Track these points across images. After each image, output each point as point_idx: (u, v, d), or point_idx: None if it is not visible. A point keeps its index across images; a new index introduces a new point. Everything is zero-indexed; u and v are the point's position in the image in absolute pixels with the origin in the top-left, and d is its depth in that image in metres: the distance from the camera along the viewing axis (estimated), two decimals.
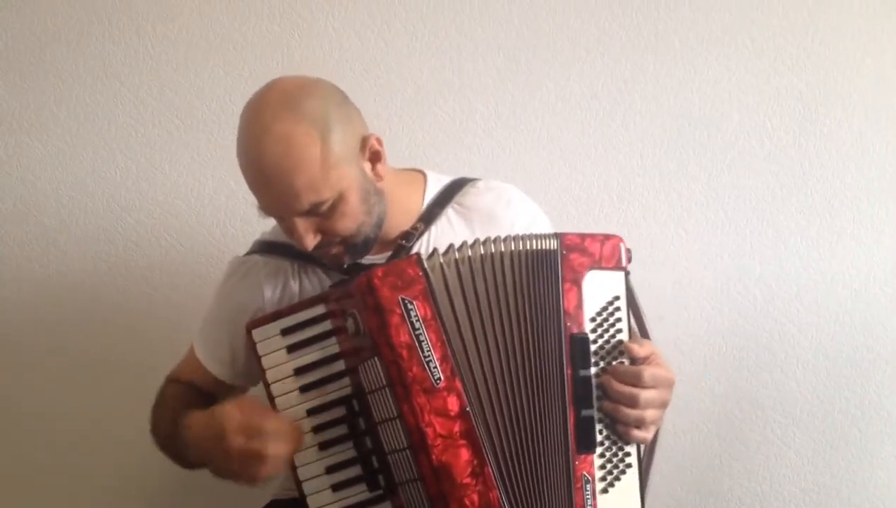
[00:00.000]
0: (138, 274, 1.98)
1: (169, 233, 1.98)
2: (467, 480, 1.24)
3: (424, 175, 1.56)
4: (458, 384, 1.26)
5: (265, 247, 1.52)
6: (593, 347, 1.32)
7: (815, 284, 2.00)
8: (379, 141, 1.39)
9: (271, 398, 1.37)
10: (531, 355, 1.30)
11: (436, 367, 1.26)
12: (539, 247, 1.32)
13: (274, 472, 1.28)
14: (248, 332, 1.39)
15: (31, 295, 1.99)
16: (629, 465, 1.33)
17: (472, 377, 1.28)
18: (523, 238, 1.33)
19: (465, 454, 1.25)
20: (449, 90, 1.96)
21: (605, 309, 1.34)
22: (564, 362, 1.30)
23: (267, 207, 1.35)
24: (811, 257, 2.00)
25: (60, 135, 1.97)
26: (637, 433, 1.32)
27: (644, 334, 1.39)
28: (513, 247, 1.32)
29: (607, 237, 1.36)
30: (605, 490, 1.31)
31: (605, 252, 1.35)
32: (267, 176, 1.30)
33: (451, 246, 1.32)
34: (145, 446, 1.97)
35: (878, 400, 2.02)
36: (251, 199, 1.94)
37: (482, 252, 1.31)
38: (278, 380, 1.36)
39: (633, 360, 1.33)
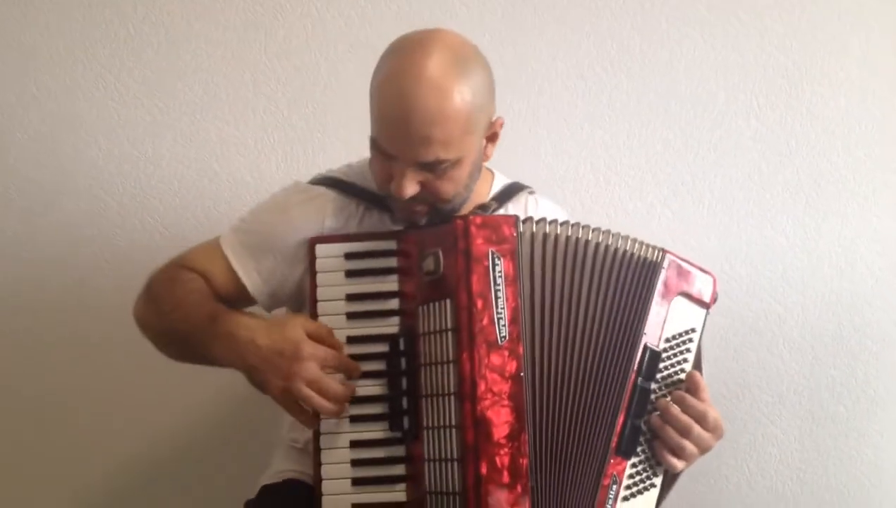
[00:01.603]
0: (122, 258, 1.97)
1: (152, 216, 1.96)
2: (503, 440, 1.25)
3: (493, 173, 1.60)
4: (521, 348, 1.28)
5: (334, 182, 1.51)
6: (660, 365, 1.35)
7: (802, 263, 2.01)
8: (502, 125, 1.43)
9: (315, 316, 1.36)
10: (598, 347, 1.32)
11: (504, 325, 1.27)
12: (643, 255, 1.36)
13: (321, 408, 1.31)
14: (312, 246, 1.38)
15: (15, 280, 1.97)
16: (653, 485, 1.35)
17: (532, 345, 1.30)
18: (627, 239, 1.36)
19: (507, 415, 1.26)
20: None
21: (680, 336, 1.37)
22: (633, 368, 1.33)
23: (391, 144, 1.33)
24: (797, 236, 2.01)
25: (42, 119, 1.95)
26: (672, 458, 1.33)
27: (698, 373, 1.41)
28: (609, 242, 1.35)
29: (704, 271, 1.40)
30: (626, 498, 1.33)
31: (699, 284, 1.39)
32: (410, 116, 1.29)
33: (543, 218, 1.34)
34: (134, 427, 1.99)
35: (864, 378, 2.03)
36: (235, 181, 1.97)
37: (569, 233, 1.34)
38: (327, 300, 1.37)
39: (693, 391, 1.34)
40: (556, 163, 1.99)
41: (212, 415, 1.99)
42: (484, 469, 1.24)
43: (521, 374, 1.27)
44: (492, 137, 1.43)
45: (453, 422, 1.27)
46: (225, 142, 1.96)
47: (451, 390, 1.27)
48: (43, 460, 2.00)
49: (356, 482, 1.33)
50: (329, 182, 1.51)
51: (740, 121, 1.98)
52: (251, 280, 1.47)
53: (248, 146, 1.96)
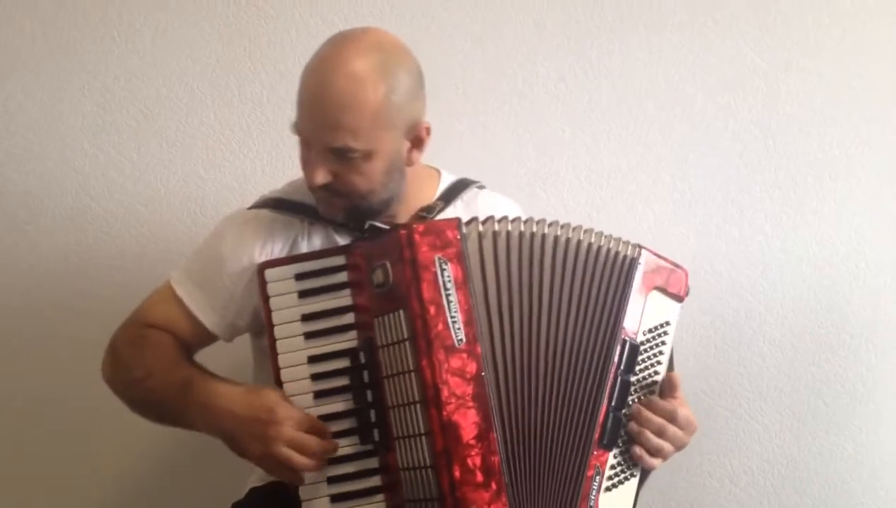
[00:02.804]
0: (109, 264, 1.98)
1: (139, 222, 1.97)
2: (472, 441, 1.26)
3: (439, 172, 1.60)
4: (479, 349, 1.29)
5: (275, 203, 1.52)
6: (638, 358, 1.38)
7: (780, 261, 2.03)
8: (428, 130, 1.44)
9: (273, 341, 1.37)
10: (572, 341, 1.34)
11: (459, 328, 1.28)
12: (618, 250, 1.38)
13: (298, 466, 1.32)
14: (261, 272, 1.38)
15: (1, 287, 1.98)
16: (633, 475, 1.38)
17: (492, 344, 1.31)
18: (603, 235, 1.38)
19: (473, 416, 1.27)
20: None
21: (655, 329, 1.40)
22: (613, 361, 1.35)
23: (303, 127, 1.39)
24: (776, 234, 2.03)
25: (28, 126, 1.96)
26: (649, 459, 1.36)
27: (671, 366, 1.44)
28: (570, 235, 1.37)
29: (677, 266, 1.43)
30: (608, 489, 1.35)
31: (672, 279, 1.42)
32: (322, 101, 1.34)
33: (491, 217, 1.35)
34: (122, 430, 1.98)
35: (843, 374, 2.06)
36: (220, 185, 1.98)
37: (522, 229, 1.35)
38: (284, 323, 1.37)
39: (668, 389, 1.38)
40: (538, 165, 2.01)
41: None
42: (457, 473, 1.26)
43: (483, 374, 1.28)
44: (416, 142, 1.43)
45: (422, 430, 1.28)
46: (210, 147, 1.97)
47: (416, 398, 1.28)
48: (31, 462, 2.01)
49: (334, 498, 1.34)
50: (268, 203, 1.52)
51: (718, 122, 2.01)
52: (208, 318, 1.49)
53: (234, 151, 1.97)
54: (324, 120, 1.35)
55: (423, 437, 1.28)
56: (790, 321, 2.05)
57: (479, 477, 1.26)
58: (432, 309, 1.28)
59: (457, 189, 1.57)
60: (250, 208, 1.53)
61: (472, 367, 1.28)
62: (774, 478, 2.07)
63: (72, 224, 1.97)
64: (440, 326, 1.28)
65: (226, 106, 1.96)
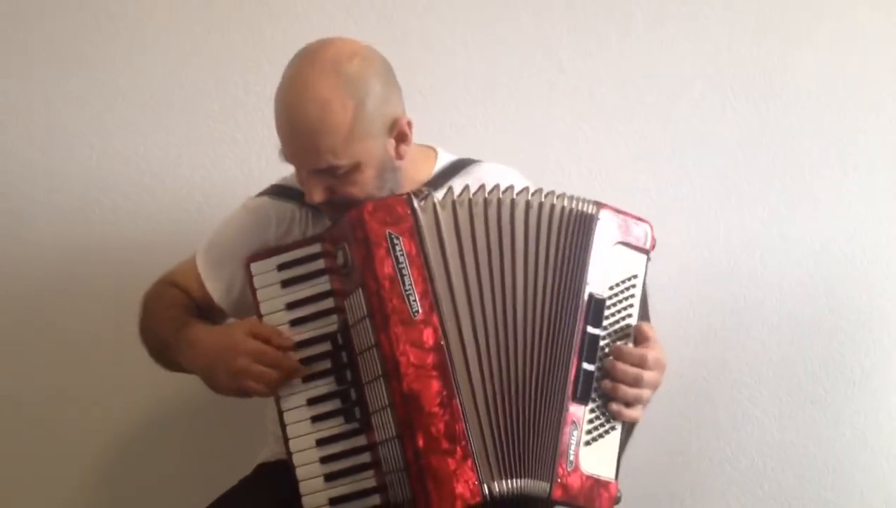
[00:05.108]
0: (115, 256, 1.99)
1: (146, 214, 1.99)
2: (435, 409, 1.30)
3: (436, 151, 1.63)
4: (436, 319, 1.32)
5: (278, 191, 1.59)
6: (606, 313, 1.40)
7: (778, 247, 2.05)
8: (409, 124, 1.46)
9: None
10: (539, 301, 1.37)
11: (415, 301, 1.32)
12: (579, 209, 1.41)
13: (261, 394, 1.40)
14: (247, 266, 1.44)
15: (7, 278, 2.00)
16: (613, 428, 1.40)
17: (455, 313, 1.34)
18: (563, 196, 1.42)
19: (435, 385, 1.30)
20: (417, 66, 1.98)
21: (623, 282, 1.43)
22: (580, 316, 1.38)
23: (288, 155, 1.43)
24: (774, 221, 2.05)
25: (33, 119, 1.97)
26: (630, 412, 1.39)
27: (645, 317, 1.46)
28: (538, 200, 1.40)
29: (640, 220, 1.46)
30: (588, 443, 1.37)
31: (636, 232, 1.45)
32: (296, 129, 1.39)
33: (449, 189, 1.40)
34: (126, 421, 2.02)
35: (840, 359, 2.07)
36: (226, 177, 1.99)
37: (486, 196, 1.39)
38: (271, 313, 1.43)
39: (640, 339, 1.41)
40: (539, 155, 2.02)
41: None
42: (421, 442, 1.29)
43: (441, 343, 1.31)
44: (400, 137, 1.46)
45: (387, 402, 1.32)
46: (215, 139, 1.99)
47: (380, 372, 1.33)
48: (46, 444, 2.03)
49: (328, 477, 1.38)
50: (271, 190, 1.60)
51: (716, 111, 2.02)
52: (216, 292, 1.58)
53: (239, 142, 1.99)
54: (303, 146, 1.39)
55: (389, 409, 1.32)
56: (788, 306, 2.06)
57: (444, 444, 1.29)
58: (387, 284, 1.32)
59: (451, 170, 1.60)
60: (257, 195, 1.61)
61: (430, 337, 1.32)
62: (773, 463, 2.09)
63: (80, 215, 1.99)
64: (395, 301, 1.32)
65: (230, 97, 1.98)
